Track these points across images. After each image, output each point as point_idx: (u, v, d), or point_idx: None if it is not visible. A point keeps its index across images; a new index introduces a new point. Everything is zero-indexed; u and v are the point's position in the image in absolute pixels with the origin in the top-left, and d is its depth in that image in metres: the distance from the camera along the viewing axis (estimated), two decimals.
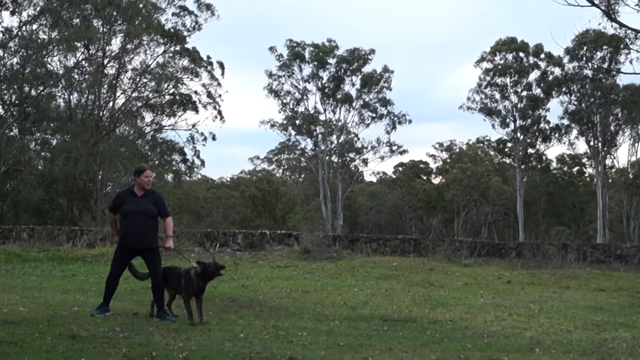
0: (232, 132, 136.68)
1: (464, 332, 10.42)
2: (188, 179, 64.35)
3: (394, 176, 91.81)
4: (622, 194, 65.81)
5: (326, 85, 64.21)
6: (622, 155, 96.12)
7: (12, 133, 47.52)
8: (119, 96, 50.19)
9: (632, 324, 11.59)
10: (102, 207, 33.94)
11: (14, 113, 47.49)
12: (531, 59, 61.76)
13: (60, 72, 47.21)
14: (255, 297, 14.17)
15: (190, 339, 8.98)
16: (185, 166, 56.40)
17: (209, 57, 53.40)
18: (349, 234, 37.53)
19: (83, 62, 48.18)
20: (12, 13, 44.42)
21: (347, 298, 14.46)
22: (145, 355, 7.76)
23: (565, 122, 61.53)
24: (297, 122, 65.65)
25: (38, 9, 44.30)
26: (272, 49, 64.04)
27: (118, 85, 49.77)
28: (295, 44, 63.86)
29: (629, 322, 11.71)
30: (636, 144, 63.75)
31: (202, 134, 54.42)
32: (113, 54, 48.89)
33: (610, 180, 64.32)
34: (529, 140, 63.86)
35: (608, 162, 62.63)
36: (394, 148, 67.68)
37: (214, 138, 54.81)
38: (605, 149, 59.90)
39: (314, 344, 8.97)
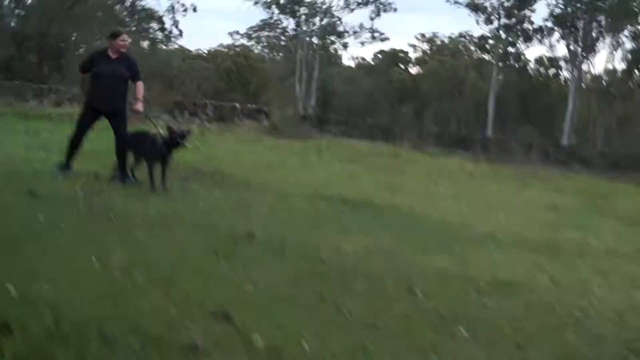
0: (214, 6, 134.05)
1: (422, 220, 10.56)
2: (164, 47, 63.55)
3: (372, 62, 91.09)
4: (594, 101, 65.99)
5: None
6: (598, 63, 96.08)
7: None
8: None
9: (585, 225, 11.79)
10: (73, 68, 33.52)
11: None
12: None
13: None
14: (219, 168, 14.18)
15: (150, 205, 9.01)
16: (162, 35, 55.66)
17: None
18: (319, 114, 37.50)
19: None
20: None
21: (310, 177, 14.53)
22: (103, 218, 7.79)
23: (549, 24, 61.16)
24: (281, 1, 64.64)
25: None
26: None
27: None
28: None
29: (581, 224, 11.92)
30: (614, 52, 63.66)
31: (182, 4, 53.56)
32: None
33: (583, 86, 64.37)
34: (510, 39, 63.50)
35: (584, 67, 62.60)
36: (376, 35, 67.18)
37: (194, 10, 54.07)
38: (584, 54, 59.74)
39: (273, 220, 9.05)
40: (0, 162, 11.44)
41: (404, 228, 9.57)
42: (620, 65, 63.89)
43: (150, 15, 53.51)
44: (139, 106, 11.20)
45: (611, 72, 65.09)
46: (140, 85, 11.28)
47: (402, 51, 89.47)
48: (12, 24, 49.57)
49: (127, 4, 52.46)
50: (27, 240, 6.37)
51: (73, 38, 44.60)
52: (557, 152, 25.36)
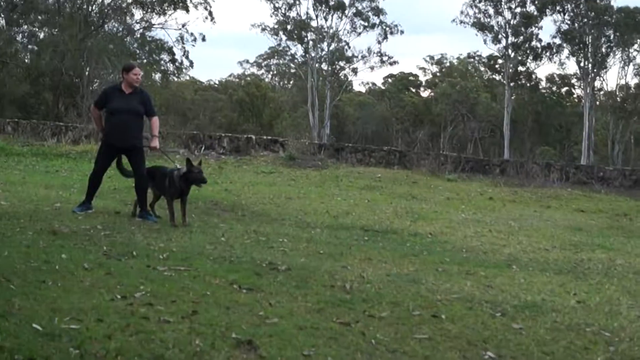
0: (223, 34, 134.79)
1: (443, 246, 10.51)
2: (176, 79, 63.95)
3: (383, 87, 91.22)
4: (609, 117, 65.82)
5: None
6: (611, 78, 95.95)
7: None
8: None
9: (609, 245, 11.71)
10: (88, 103, 33.62)
11: (1, 3, 46.71)
12: None
13: None
14: (238, 201, 14.21)
15: (171, 240, 9.03)
16: (173, 66, 56.01)
17: None
18: (334, 142, 37.53)
19: None
20: None
21: (329, 207, 14.51)
22: (125, 254, 7.81)
23: (557, 41, 61.27)
24: (289, 27, 65.06)
25: None
26: None
27: None
28: None
29: (606, 244, 11.83)
30: (626, 67, 63.58)
31: (191, 34, 54.08)
32: None
33: (597, 103, 64.26)
34: (519, 58, 63.56)
35: (597, 84, 62.57)
36: (385, 58, 67.50)
37: (203, 39, 54.41)
38: (595, 70, 59.72)
39: (294, 251, 9.04)
40: (21, 202, 11.49)
41: (427, 254, 9.53)
42: (633, 80, 63.75)
43: (161, 46, 53.81)
44: (156, 143, 11.23)
45: (625, 88, 64.93)
46: (155, 121, 11.28)
47: (411, 74, 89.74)
48: (26, 60, 49.96)
49: (137, 35, 52.76)
50: (51, 278, 6.39)
51: (86, 73, 44.85)
52: (576, 172, 25.22)
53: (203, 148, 26.25)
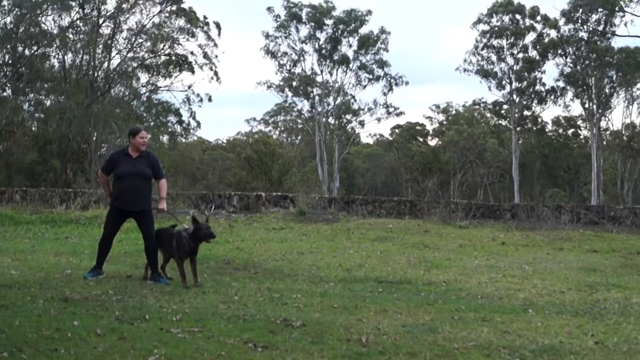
0: (229, 94, 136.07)
1: (458, 294, 10.43)
2: (184, 140, 64.13)
3: (390, 138, 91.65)
4: (617, 156, 65.79)
5: (323, 46, 63.92)
6: (616, 118, 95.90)
7: (5, 94, 47.08)
8: (114, 56, 50.06)
9: (624, 284, 11.63)
10: (96, 169, 33.71)
11: (7, 73, 47.09)
12: (527, 21, 61.53)
13: (55, 31, 46.82)
14: (250, 259, 14.17)
15: (184, 302, 8.99)
16: (180, 127, 56.13)
17: (205, 17, 52.87)
18: (344, 196, 37.53)
19: (78, 21, 47.85)
20: None
21: (342, 260, 14.45)
22: (138, 318, 7.78)
23: (561, 84, 61.42)
24: (294, 83, 65.39)
25: None
26: (269, 9, 63.67)
27: (113, 45, 49.51)
28: (292, 4, 63.45)
29: (621, 283, 11.75)
30: (630, 107, 63.65)
31: (198, 95, 54.27)
32: (108, 14, 48.65)
33: (604, 143, 64.27)
34: (524, 103, 63.77)
35: (603, 124, 62.58)
36: (391, 110, 67.64)
37: (210, 99, 54.62)
38: (600, 111, 59.81)
39: (309, 306, 8.98)
40: (31, 270, 11.48)
41: (442, 303, 9.46)
42: (639, 119, 63.91)
43: (167, 108, 54.09)
44: (163, 205, 11.22)
45: (630, 126, 65.00)
46: (163, 183, 11.29)
47: (418, 124, 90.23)
48: (33, 128, 50.28)
49: (144, 98, 53.11)
50: (63, 346, 6.37)
51: (94, 138, 45.11)
52: (587, 213, 25.11)
53: (213, 207, 26.25)
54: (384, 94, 66.51)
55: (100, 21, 48.28)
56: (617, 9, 52.70)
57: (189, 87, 53.04)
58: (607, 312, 9.00)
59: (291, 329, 7.46)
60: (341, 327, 7.57)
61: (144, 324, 7.54)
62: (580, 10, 56.85)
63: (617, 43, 58.64)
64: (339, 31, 63.70)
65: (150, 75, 52.89)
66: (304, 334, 7.23)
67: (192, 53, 52.83)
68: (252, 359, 6.16)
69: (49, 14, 46.19)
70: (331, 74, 64.84)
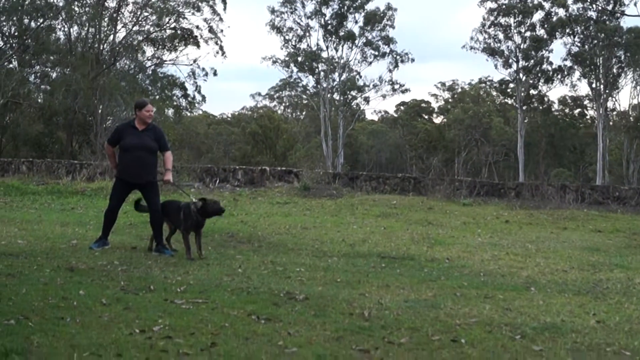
0: (234, 68, 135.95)
1: (461, 270, 10.47)
2: (189, 114, 64.06)
3: (395, 115, 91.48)
4: (623, 137, 65.66)
5: (329, 22, 63.68)
6: (623, 98, 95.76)
7: (11, 65, 47.03)
8: (119, 30, 49.92)
9: (627, 265, 11.65)
10: (101, 141, 33.78)
11: (14, 45, 47.10)
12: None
13: (60, 4, 46.76)
14: (254, 232, 14.22)
15: (188, 273, 9.05)
16: (186, 101, 56.05)
17: None
18: (349, 171, 37.56)
19: None
20: None
21: (345, 235, 14.50)
22: (143, 289, 7.84)
23: (568, 63, 61.22)
24: (299, 59, 65.23)
25: None
26: None
27: (119, 18, 49.36)
28: None
29: (624, 263, 11.77)
30: (638, 87, 63.48)
31: (203, 69, 54.04)
32: None
33: (611, 123, 64.16)
34: (531, 82, 63.57)
35: (610, 104, 62.47)
36: (396, 87, 67.51)
37: (215, 73, 54.46)
38: (607, 91, 59.64)
39: (312, 280, 9.04)
40: (38, 240, 11.55)
41: (445, 280, 9.51)
42: None
43: (173, 82, 54.00)
44: (169, 177, 11.27)
45: (637, 107, 64.80)
46: (168, 155, 11.33)
47: (424, 101, 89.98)
48: (39, 100, 50.27)
49: (149, 72, 53.02)
50: (69, 314, 6.43)
51: (99, 111, 45.10)
52: (592, 192, 25.13)
53: (218, 181, 26.31)
54: (390, 71, 66.42)
55: None
56: None
57: (194, 61, 52.97)
58: (609, 292, 9.03)
59: (294, 302, 7.51)
60: (344, 301, 7.62)
61: (149, 294, 7.61)
62: None
63: (626, 23, 58.58)
64: (345, 7, 63.45)
65: (155, 49, 52.83)
66: (306, 307, 7.28)
67: (197, 27, 52.68)
68: (255, 331, 6.20)
69: None
70: (337, 50, 64.75)
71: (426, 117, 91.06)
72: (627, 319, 7.33)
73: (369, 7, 63.87)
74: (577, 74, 61.69)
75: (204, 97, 55.93)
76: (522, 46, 61.71)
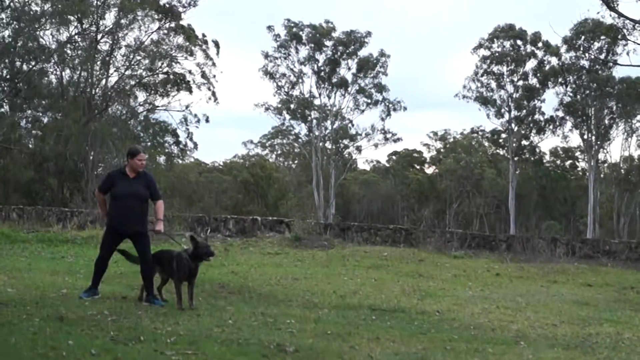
0: (226, 115, 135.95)
1: (451, 324, 10.48)
2: (180, 161, 64.02)
3: (387, 165, 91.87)
4: (614, 190, 65.91)
5: (322, 68, 64.07)
6: (615, 150, 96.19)
7: (2, 109, 47.04)
8: (112, 74, 49.88)
9: (617, 319, 11.69)
10: (93, 188, 33.75)
11: (5, 88, 47.05)
12: (529, 47, 61.77)
13: (53, 46, 46.84)
14: (244, 283, 14.20)
15: (178, 324, 9.02)
16: (177, 148, 56.06)
17: (204, 36, 52.76)
18: (340, 222, 37.60)
19: (76, 36, 47.88)
20: None
21: (336, 287, 14.50)
22: (133, 339, 7.80)
23: (560, 113, 61.62)
24: (292, 106, 65.53)
25: None
26: (270, 27, 63.80)
27: (111, 62, 49.38)
28: (293, 24, 63.64)
29: (613, 318, 11.81)
30: (629, 139, 63.90)
31: (195, 115, 53.87)
32: (107, 29, 48.54)
33: (602, 175, 64.43)
34: (523, 132, 63.90)
35: (601, 156, 62.86)
36: (388, 136, 67.72)
37: (207, 120, 54.44)
38: (598, 142, 59.98)
39: (302, 332, 9.02)
40: (27, 289, 11.50)
41: (435, 333, 9.51)
42: (637, 152, 63.98)
43: (164, 128, 54.02)
44: (160, 227, 11.24)
45: (629, 159, 65.12)
46: (160, 205, 11.30)
47: (416, 151, 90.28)
48: (30, 145, 50.20)
49: (141, 117, 53.04)
50: None
51: (91, 157, 45.13)
52: (582, 246, 25.19)
53: (209, 230, 26.22)
54: (382, 119, 66.68)
55: (99, 37, 48.38)
56: (619, 36, 52.78)
57: (187, 107, 52.93)
58: (598, 346, 9.06)
59: (284, 354, 7.50)
60: (334, 354, 7.62)
61: (139, 345, 7.58)
62: (583, 37, 56.99)
63: (618, 73, 58.89)
64: (338, 53, 63.88)
65: (147, 94, 52.84)
66: (297, 359, 7.27)
67: (190, 72, 52.72)
68: None
69: (47, 28, 46.20)
70: (329, 97, 65.08)
71: (418, 167, 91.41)
72: None
73: (362, 53, 64.44)
74: (569, 124, 62.14)
75: (195, 144, 56.02)
76: (514, 95, 62.17)
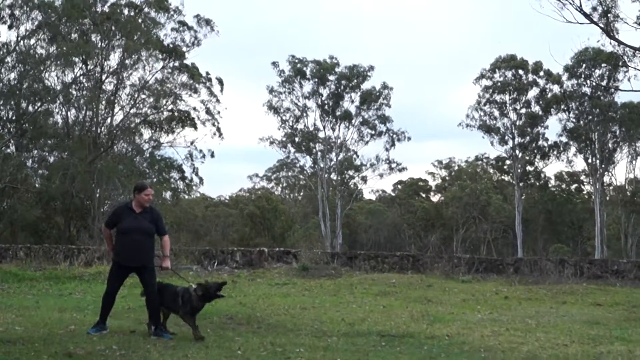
0: (231, 149, 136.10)
1: (461, 347, 10.43)
2: (186, 197, 64.11)
3: (393, 194, 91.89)
4: (620, 211, 65.83)
5: (326, 102, 64.38)
6: (619, 173, 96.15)
7: (8, 150, 47.26)
8: (117, 112, 50.21)
9: (628, 337, 11.63)
10: (99, 225, 33.76)
11: (11, 130, 47.29)
12: (530, 77, 62.05)
13: (58, 87, 47.13)
14: (252, 314, 14.16)
15: (187, 356, 9.01)
16: (183, 184, 56.17)
17: (207, 73, 53.16)
18: (347, 251, 37.53)
19: (81, 77, 48.25)
20: (10, 27, 44.78)
21: (345, 314, 14.45)
22: None
23: (564, 139, 61.75)
24: (297, 139, 65.72)
25: (36, 23, 44.71)
26: (274, 64, 64.34)
27: (116, 101, 49.72)
28: (297, 60, 64.13)
29: (624, 336, 11.75)
30: (634, 162, 63.95)
31: (200, 151, 54.12)
32: (111, 70, 49.01)
33: (608, 198, 64.36)
34: (527, 158, 63.98)
35: (606, 179, 62.86)
36: (393, 165, 67.82)
37: (212, 155, 54.62)
38: (603, 166, 59.98)
39: None
40: (35, 326, 11.48)
41: (445, 357, 9.48)
42: None
43: (170, 164, 54.17)
44: (167, 263, 11.25)
45: (634, 181, 65.08)
46: (166, 240, 11.33)
47: (421, 179, 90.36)
48: (37, 184, 50.35)
49: (147, 154, 53.20)
50: None
51: (97, 195, 45.23)
52: (590, 266, 25.10)
53: (216, 263, 26.27)
54: (386, 150, 66.83)
55: (104, 77, 48.73)
56: (620, 63, 52.96)
57: (192, 142, 53.12)
58: None
59: None
60: None
61: None
62: (584, 65, 57.20)
63: (620, 98, 59.07)
64: (342, 87, 64.16)
65: (153, 131, 53.00)
66: None
67: (194, 109, 53.02)
68: None
69: (53, 70, 46.53)
70: (333, 130, 65.29)
71: (424, 195, 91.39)
72: None
73: (365, 86, 64.73)
74: (572, 149, 62.22)
75: (201, 179, 56.18)
76: (517, 123, 62.27)
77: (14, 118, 47.55)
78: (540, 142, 63.29)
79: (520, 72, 62.12)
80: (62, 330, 11.10)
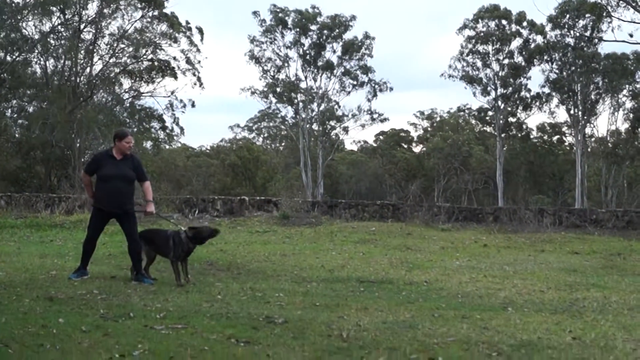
0: (212, 100, 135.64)
1: (439, 293, 10.55)
2: (167, 147, 63.94)
3: (374, 145, 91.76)
4: (601, 163, 66.09)
5: (307, 52, 63.89)
6: (601, 125, 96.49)
7: None
8: (96, 62, 49.76)
9: (604, 284, 11.78)
10: (80, 174, 33.69)
11: None
12: (514, 27, 61.64)
13: (36, 37, 46.78)
14: (233, 260, 14.23)
15: (167, 301, 9.08)
16: (164, 134, 55.98)
17: (187, 23, 52.55)
18: (328, 199, 37.63)
19: (59, 27, 47.77)
20: None
21: (324, 261, 14.55)
22: (122, 316, 7.86)
23: (546, 90, 61.57)
24: (278, 89, 65.37)
25: None
26: (255, 13, 63.58)
27: (95, 51, 49.27)
28: (278, 10, 63.43)
29: (600, 283, 11.91)
30: (616, 113, 63.89)
31: (181, 100, 53.85)
32: (90, 19, 48.46)
33: (589, 149, 64.56)
34: (509, 109, 63.92)
35: (588, 130, 62.82)
36: (375, 116, 67.61)
37: (193, 105, 54.43)
38: (585, 117, 60.02)
39: (291, 304, 9.08)
40: (17, 271, 11.54)
41: (423, 302, 9.58)
42: (624, 126, 64.07)
43: (150, 114, 53.94)
44: (151, 208, 11.31)
45: (615, 133, 65.29)
46: (147, 186, 11.37)
47: (403, 130, 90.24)
48: (16, 134, 50.12)
49: (127, 104, 52.94)
50: (49, 342, 6.45)
51: (77, 144, 45.06)
52: (569, 216, 25.30)
53: (197, 211, 26.31)
54: (368, 100, 66.59)
55: (82, 26, 48.21)
56: (604, 14, 52.85)
57: (172, 92, 52.85)
58: (585, 310, 9.13)
59: (273, 325, 7.56)
60: (323, 324, 7.68)
61: (128, 321, 7.64)
62: (567, 15, 57.02)
63: (603, 49, 58.99)
64: (324, 37, 63.75)
65: (133, 81, 52.64)
66: (285, 330, 7.33)
67: (174, 58, 52.62)
68: (234, 354, 6.24)
69: (30, 19, 46.13)
70: (315, 80, 64.93)
71: (405, 146, 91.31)
72: (603, 335, 7.42)
73: (347, 36, 64.17)
74: (555, 100, 62.11)
75: (182, 129, 55.96)
76: (500, 74, 62.07)
77: None
78: (522, 93, 63.16)
79: (504, 22, 61.78)
80: (43, 276, 11.17)
